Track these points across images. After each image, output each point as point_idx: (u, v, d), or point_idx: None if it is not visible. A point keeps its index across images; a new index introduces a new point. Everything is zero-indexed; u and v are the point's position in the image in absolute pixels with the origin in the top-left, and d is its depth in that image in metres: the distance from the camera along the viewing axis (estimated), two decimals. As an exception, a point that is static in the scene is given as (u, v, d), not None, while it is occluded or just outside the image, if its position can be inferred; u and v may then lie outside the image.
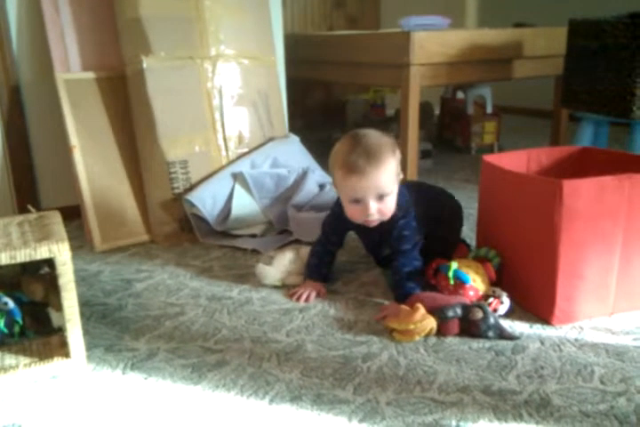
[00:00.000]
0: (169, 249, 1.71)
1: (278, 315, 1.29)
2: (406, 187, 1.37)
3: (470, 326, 1.16)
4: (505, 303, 1.24)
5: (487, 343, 1.14)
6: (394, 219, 1.32)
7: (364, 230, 1.41)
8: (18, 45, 1.82)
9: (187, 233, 1.77)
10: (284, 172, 1.83)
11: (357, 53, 2.33)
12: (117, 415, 0.96)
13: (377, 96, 3.25)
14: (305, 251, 1.46)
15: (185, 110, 1.78)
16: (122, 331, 1.23)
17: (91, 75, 1.79)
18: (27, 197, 1.89)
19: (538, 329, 1.19)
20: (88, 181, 1.73)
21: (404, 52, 2.09)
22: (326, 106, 3.38)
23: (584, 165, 1.47)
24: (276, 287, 1.42)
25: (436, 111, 3.20)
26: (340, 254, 1.56)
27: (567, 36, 2.09)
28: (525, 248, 1.26)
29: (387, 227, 1.33)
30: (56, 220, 1.16)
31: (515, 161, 1.45)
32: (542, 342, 1.14)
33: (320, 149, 2.13)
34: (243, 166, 1.80)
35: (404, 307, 1.19)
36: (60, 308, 1.07)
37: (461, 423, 0.91)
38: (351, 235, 1.49)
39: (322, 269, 1.41)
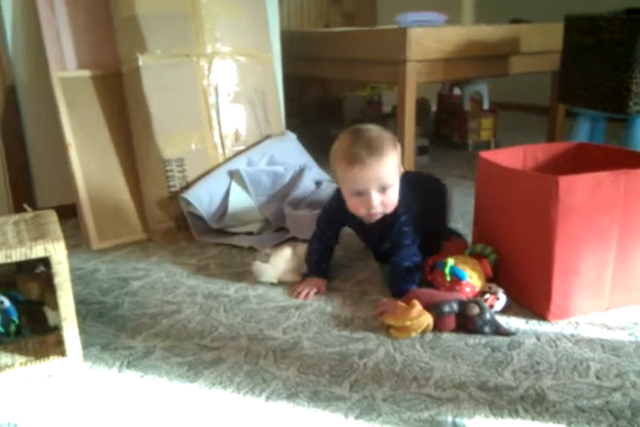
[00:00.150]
0: (165, 247, 1.71)
1: (275, 312, 1.29)
2: (405, 181, 1.37)
3: (466, 322, 1.16)
4: (501, 299, 1.24)
5: (483, 339, 1.14)
6: (396, 214, 1.33)
7: (362, 227, 1.41)
8: (13, 45, 1.82)
9: (183, 231, 1.77)
10: (281, 169, 1.83)
11: (354, 50, 2.32)
12: (114, 414, 0.96)
13: (374, 93, 3.24)
14: (301, 248, 1.46)
15: (181, 108, 1.78)
16: (118, 329, 1.23)
17: (86, 73, 1.78)
18: (23, 195, 1.89)
19: (534, 325, 1.20)
20: (84, 180, 1.73)
21: (401, 48, 2.08)
22: (323, 103, 3.37)
23: (581, 161, 1.47)
24: (272, 285, 1.42)
25: (433, 108, 3.20)
26: (337, 250, 1.56)
27: (563, 32, 2.09)
28: (521, 244, 1.26)
29: (388, 222, 1.34)
30: (52, 219, 1.16)
31: (511, 157, 1.44)
32: (538, 338, 1.14)
33: (317, 147, 2.13)
34: (239, 164, 1.80)
35: (400, 303, 1.19)
36: (56, 307, 1.07)
37: (457, 419, 0.91)
38: (347, 229, 1.49)
39: (321, 265, 1.42)
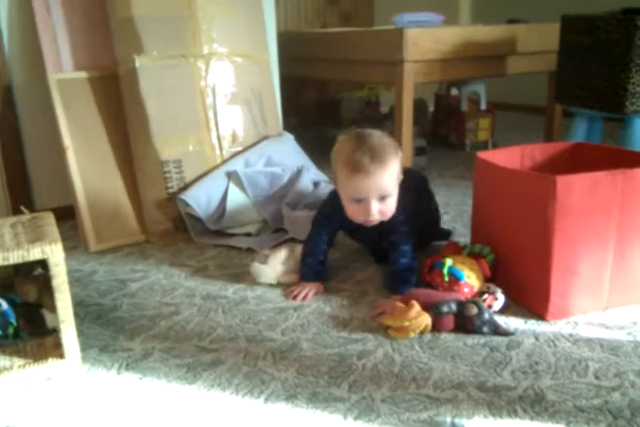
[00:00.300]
0: (163, 249, 1.70)
1: (273, 313, 1.29)
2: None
3: (465, 322, 1.16)
4: (499, 299, 1.24)
5: (482, 339, 1.14)
6: (394, 219, 1.34)
7: (361, 230, 1.41)
8: (9, 46, 1.82)
9: (181, 232, 1.77)
10: (279, 170, 1.83)
11: (351, 51, 2.33)
12: (113, 416, 0.96)
13: (371, 93, 3.25)
14: (300, 249, 1.46)
15: (178, 109, 1.78)
16: (116, 331, 1.23)
17: (83, 74, 1.78)
18: (20, 197, 1.88)
19: (532, 325, 1.20)
20: (82, 182, 1.73)
21: (398, 48, 2.09)
22: (321, 103, 3.37)
23: (578, 161, 1.47)
24: (271, 286, 1.42)
25: (431, 108, 3.20)
26: (335, 252, 1.56)
27: (560, 32, 2.09)
28: (519, 244, 1.26)
29: (386, 227, 1.35)
30: (49, 221, 1.16)
31: (509, 157, 1.45)
32: (537, 338, 1.15)
33: (315, 147, 2.13)
34: (237, 165, 1.80)
35: (399, 304, 1.19)
36: (53, 309, 1.07)
37: (456, 420, 0.91)
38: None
39: (317, 268, 1.41)
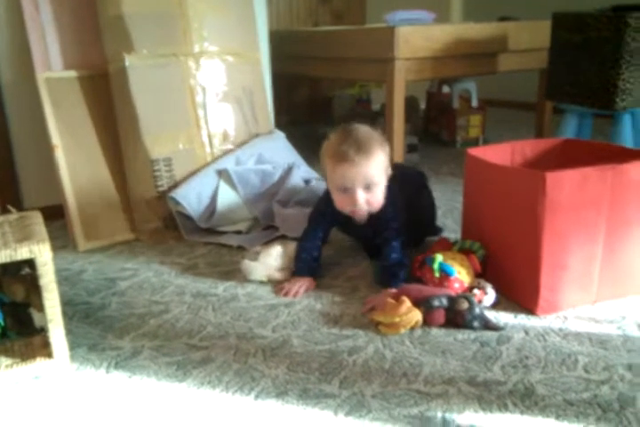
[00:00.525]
0: (153, 247, 1.69)
1: (264, 311, 1.28)
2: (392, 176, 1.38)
3: (456, 317, 1.16)
4: (490, 294, 1.24)
5: (472, 334, 1.14)
6: (385, 211, 1.35)
7: (355, 226, 1.42)
8: (-3, 44, 1.80)
9: (171, 231, 1.76)
10: (269, 168, 1.83)
11: (343, 49, 2.32)
12: (102, 415, 0.95)
13: (363, 91, 3.25)
14: (291, 246, 1.46)
15: (168, 108, 1.77)
16: (105, 330, 1.22)
17: (72, 73, 1.77)
18: (8, 197, 1.87)
19: (522, 319, 1.20)
20: (70, 181, 1.71)
21: (389, 46, 2.08)
22: (312, 101, 3.37)
23: (568, 157, 1.48)
24: (261, 283, 1.41)
25: (422, 105, 3.20)
26: (328, 248, 1.56)
27: (551, 30, 2.09)
28: (509, 240, 1.26)
29: (379, 219, 1.36)
30: (37, 220, 1.15)
31: (499, 154, 1.45)
32: (527, 333, 1.15)
33: (306, 145, 2.13)
34: (227, 163, 1.79)
35: (389, 300, 1.19)
36: (41, 308, 1.06)
37: (447, 415, 0.91)
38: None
39: (311, 264, 1.42)
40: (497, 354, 1.08)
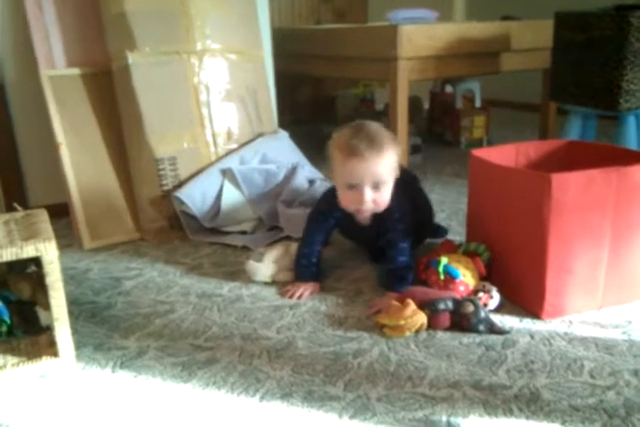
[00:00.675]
0: (158, 247, 1.69)
1: (269, 312, 1.28)
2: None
3: (461, 320, 1.16)
4: (495, 298, 1.24)
5: (477, 338, 1.14)
6: (390, 212, 1.33)
7: (358, 227, 1.40)
8: (1, 43, 1.80)
9: (176, 230, 1.76)
10: (274, 167, 1.83)
11: (345, 47, 2.32)
12: (107, 414, 0.95)
13: (366, 90, 3.24)
14: (295, 247, 1.46)
15: (172, 106, 1.76)
16: (111, 329, 1.22)
17: (76, 71, 1.77)
18: (14, 195, 1.87)
19: (528, 323, 1.20)
20: (75, 179, 1.71)
21: (392, 45, 2.08)
22: (316, 100, 3.37)
23: (572, 159, 1.48)
24: (266, 284, 1.41)
25: (426, 105, 3.20)
26: (330, 250, 1.56)
27: (554, 29, 2.09)
28: (514, 242, 1.26)
29: (383, 220, 1.34)
30: (43, 218, 1.15)
31: (503, 155, 1.45)
32: (532, 337, 1.15)
33: (310, 145, 2.12)
34: (232, 162, 1.79)
35: (394, 302, 1.19)
36: (48, 307, 1.06)
37: (452, 419, 0.92)
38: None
39: (311, 269, 1.40)
40: (502, 358, 1.08)
